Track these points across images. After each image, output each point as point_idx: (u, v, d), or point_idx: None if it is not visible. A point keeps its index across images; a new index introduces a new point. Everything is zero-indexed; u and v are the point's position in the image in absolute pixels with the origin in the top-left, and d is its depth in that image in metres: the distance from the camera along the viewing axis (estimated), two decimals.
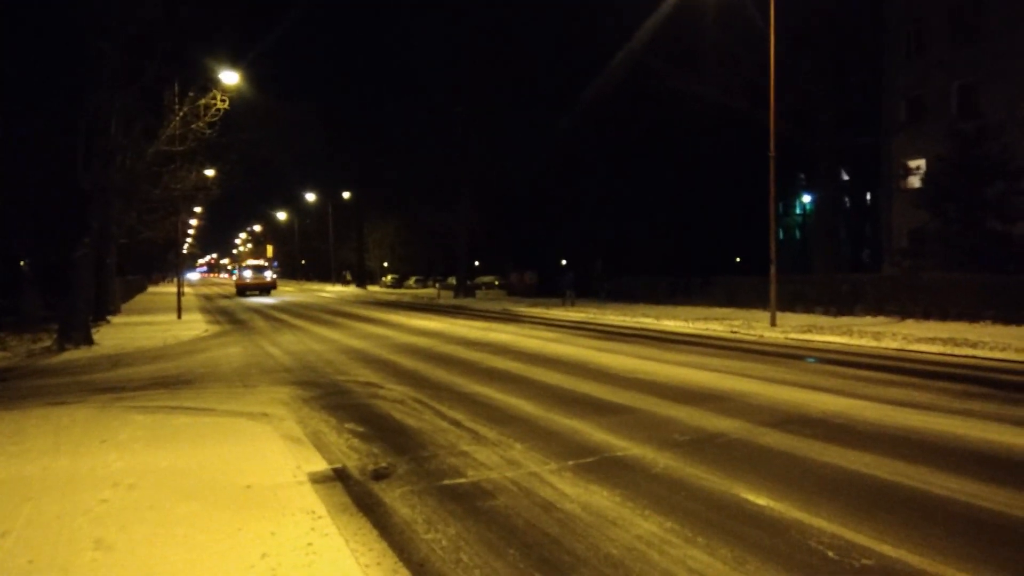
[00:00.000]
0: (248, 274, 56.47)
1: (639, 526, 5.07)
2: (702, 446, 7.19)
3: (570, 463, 6.69)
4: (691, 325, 21.72)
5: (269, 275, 57.31)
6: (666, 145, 43.96)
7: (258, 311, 34.75)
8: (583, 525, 5.13)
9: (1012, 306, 19.36)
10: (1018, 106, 28.11)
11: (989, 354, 13.65)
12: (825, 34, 30.31)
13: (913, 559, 4.39)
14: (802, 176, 53.54)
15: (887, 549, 4.56)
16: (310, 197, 78.15)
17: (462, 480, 6.27)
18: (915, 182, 32.19)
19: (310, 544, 4.73)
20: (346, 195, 71.64)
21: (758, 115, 25.52)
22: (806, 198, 56.22)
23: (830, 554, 4.51)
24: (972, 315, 20.04)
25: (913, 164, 32.83)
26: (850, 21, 31.43)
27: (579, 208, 46.61)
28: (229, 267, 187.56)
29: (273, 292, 56.86)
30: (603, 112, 41.84)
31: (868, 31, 33.24)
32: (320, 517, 5.23)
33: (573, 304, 33.04)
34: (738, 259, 50.65)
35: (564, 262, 53.14)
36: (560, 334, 19.82)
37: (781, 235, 55.40)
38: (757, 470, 6.32)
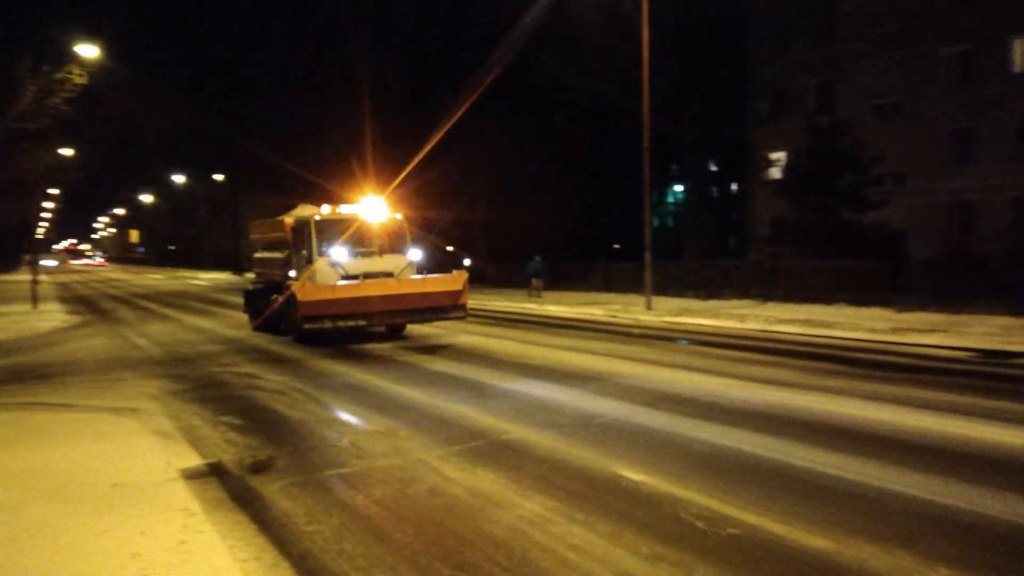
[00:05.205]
0: (343, 259, 14.91)
1: (522, 507, 5.18)
2: (583, 427, 7.41)
3: (456, 448, 6.74)
4: (573, 310, 22.22)
5: (408, 258, 16.09)
6: (547, 134, 44.57)
7: (124, 300, 32.77)
8: (468, 508, 5.19)
9: (864, 290, 20.93)
10: (869, 102, 30.32)
11: (843, 334, 14.68)
12: (694, 31, 31.63)
13: (775, 527, 4.71)
14: (675, 167, 55.56)
15: (752, 518, 4.86)
16: (179, 179, 73.80)
17: (346, 470, 6.20)
18: (776, 173, 34.15)
19: (183, 542, 4.56)
20: (219, 177, 68.00)
21: (634, 107, 26.30)
22: (678, 188, 58.44)
23: (699, 525, 4.77)
24: (828, 298, 21.49)
25: (774, 156, 34.79)
26: (718, 19, 32.95)
27: (461, 194, 46.56)
28: (89, 253, 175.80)
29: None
30: (485, 99, 41.94)
31: (735, 29, 34.93)
32: (194, 514, 5.05)
33: (540, 295, 27.51)
34: (616, 246, 52.08)
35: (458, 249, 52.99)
36: (444, 321, 19.75)
37: (656, 223, 57.21)
38: (634, 448, 6.59)
